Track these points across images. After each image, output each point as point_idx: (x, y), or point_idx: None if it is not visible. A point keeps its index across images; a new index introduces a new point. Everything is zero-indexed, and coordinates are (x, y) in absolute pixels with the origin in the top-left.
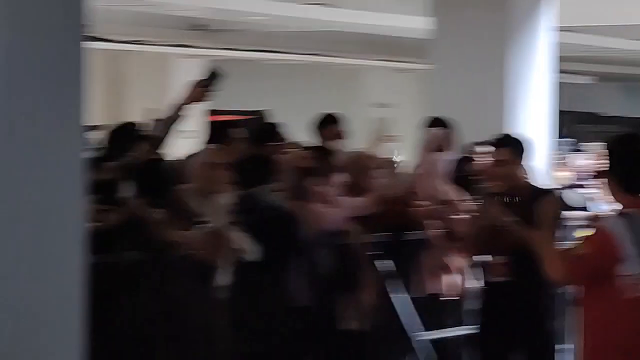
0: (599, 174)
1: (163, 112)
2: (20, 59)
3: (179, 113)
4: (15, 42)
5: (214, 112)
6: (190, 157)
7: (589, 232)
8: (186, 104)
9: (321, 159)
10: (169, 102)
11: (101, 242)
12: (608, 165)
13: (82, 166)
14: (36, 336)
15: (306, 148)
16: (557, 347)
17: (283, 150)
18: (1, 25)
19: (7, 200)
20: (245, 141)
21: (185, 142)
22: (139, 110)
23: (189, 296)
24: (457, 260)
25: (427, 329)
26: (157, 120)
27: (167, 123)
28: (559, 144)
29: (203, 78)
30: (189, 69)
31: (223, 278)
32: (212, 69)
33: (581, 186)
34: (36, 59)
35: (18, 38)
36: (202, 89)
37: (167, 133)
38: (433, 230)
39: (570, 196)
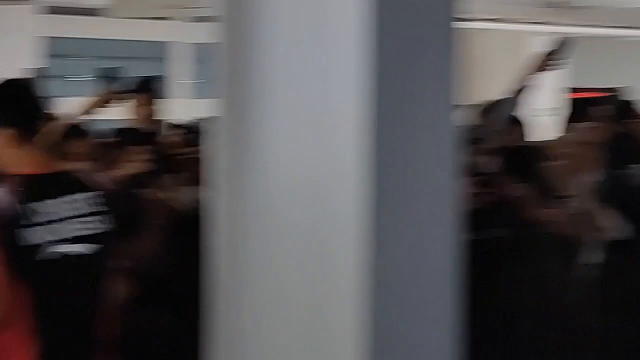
0: None
1: (513, 84)
2: (393, 39)
3: (528, 84)
4: (388, 24)
5: (573, 90)
6: (557, 135)
7: None
8: (534, 74)
9: None
10: (518, 74)
11: (473, 222)
12: None
13: (455, 147)
14: (414, 318)
15: None
16: None
17: None
18: (372, 9)
19: (384, 184)
20: (608, 119)
21: (545, 120)
22: (496, 89)
23: (556, 273)
24: None
25: None
26: (509, 93)
27: (516, 95)
28: None
29: (551, 49)
30: (545, 46)
31: (590, 256)
32: (560, 41)
33: None
34: (408, 40)
35: (391, 20)
36: (549, 59)
37: (517, 105)
38: None
39: None
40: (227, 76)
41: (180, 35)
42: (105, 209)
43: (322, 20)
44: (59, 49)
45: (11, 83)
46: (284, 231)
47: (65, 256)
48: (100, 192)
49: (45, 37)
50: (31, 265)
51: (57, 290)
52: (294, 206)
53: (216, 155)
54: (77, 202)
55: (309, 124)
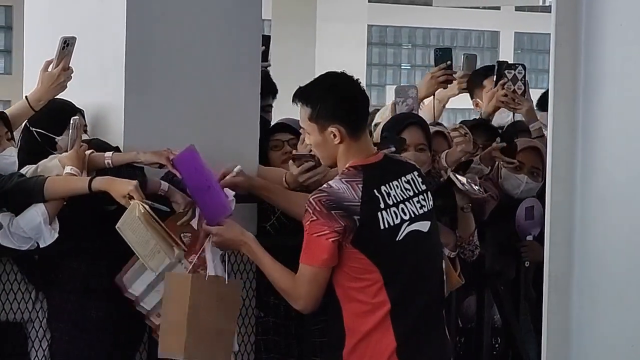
0: None
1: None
2: None
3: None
4: None
5: None
6: None
7: None
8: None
9: None
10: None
11: None
12: None
13: None
14: None
15: None
16: None
17: None
18: None
19: None
20: None
21: None
22: None
23: None
24: None
25: None
26: None
27: None
28: None
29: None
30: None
31: None
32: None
33: None
34: None
35: None
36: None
37: None
38: None
39: None
40: (560, 67)
41: (508, 24)
42: (429, 187)
43: None
44: (389, 37)
45: (335, 80)
46: (618, 226)
47: (414, 234)
48: (423, 172)
49: (376, 25)
50: (388, 247)
51: (408, 269)
52: (628, 202)
53: (551, 148)
54: (410, 182)
55: None
